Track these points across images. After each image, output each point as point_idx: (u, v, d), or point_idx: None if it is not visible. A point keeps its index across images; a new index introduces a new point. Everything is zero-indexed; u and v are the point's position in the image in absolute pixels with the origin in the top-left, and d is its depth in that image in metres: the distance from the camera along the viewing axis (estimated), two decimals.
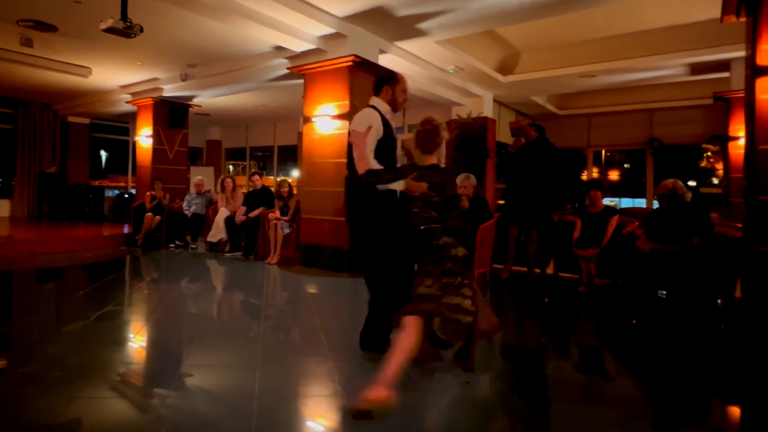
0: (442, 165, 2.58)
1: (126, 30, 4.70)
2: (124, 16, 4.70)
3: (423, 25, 5.70)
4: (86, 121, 11.67)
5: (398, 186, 2.51)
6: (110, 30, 4.67)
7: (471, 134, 8.37)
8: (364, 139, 2.63)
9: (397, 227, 2.55)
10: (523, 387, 2.59)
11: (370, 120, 2.68)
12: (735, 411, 2.56)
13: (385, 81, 2.84)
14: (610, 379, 2.94)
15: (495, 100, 9.46)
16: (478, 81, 8.27)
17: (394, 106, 2.83)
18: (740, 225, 4.19)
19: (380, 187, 2.60)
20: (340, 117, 5.86)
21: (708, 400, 2.63)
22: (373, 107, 2.78)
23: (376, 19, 5.63)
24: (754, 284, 3.62)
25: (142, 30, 4.97)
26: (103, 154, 13.14)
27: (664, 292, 4.49)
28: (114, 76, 8.38)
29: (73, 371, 2.58)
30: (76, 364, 2.68)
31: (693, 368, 3.03)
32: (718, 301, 4.24)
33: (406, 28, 5.80)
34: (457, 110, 8.80)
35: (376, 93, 2.84)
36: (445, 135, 2.55)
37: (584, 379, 2.91)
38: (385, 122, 2.73)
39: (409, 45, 6.44)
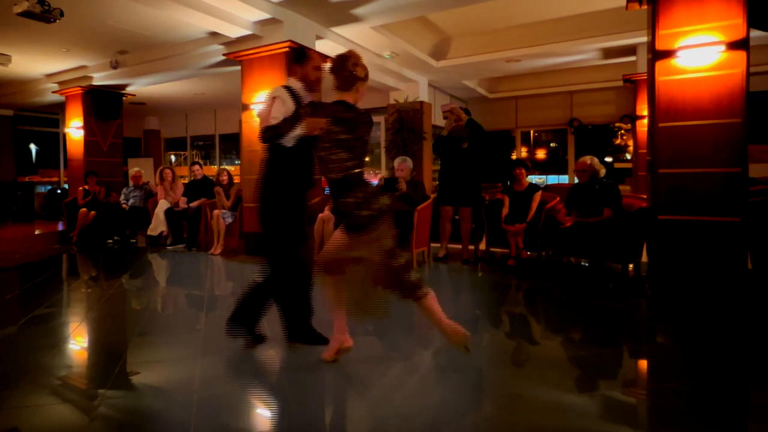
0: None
1: (44, 14, 4.50)
2: None
3: (358, 11, 5.77)
4: (9, 113, 10.92)
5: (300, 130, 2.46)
6: (26, 14, 4.45)
7: (408, 118, 8.62)
8: (269, 107, 2.66)
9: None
10: (460, 357, 2.72)
11: (275, 92, 2.71)
12: (644, 363, 2.86)
13: (295, 60, 2.82)
14: (537, 343, 3.18)
15: (430, 85, 9.74)
16: (413, 66, 8.47)
17: (308, 84, 2.80)
18: (645, 196, 4.62)
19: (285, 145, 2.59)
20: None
21: (620, 356, 2.91)
22: (285, 86, 2.78)
23: (311, 5, 5.65)
24: (656, 249, 4.02)
25: (62, 14, 4.77)
26: (33, 147, 12.34)
27: (586, 262, 4.88)
28: (38, 64, 7.91)
29: (1, 380, 2.43)
30: (3, 373, 2.53)
31: (610, 328, 3.35)
32: (629, 266, 4.66)
33: (341, 13, 5.85)
34: (395, 95, 9.03)
35: (290, 73, 2.86)
36: (358, 70, 2.40)
37: (515, 344, 3.15)
38: (297, 98, 2.72)
39: (346, 31, 6.50)
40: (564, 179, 11.01)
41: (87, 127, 8.56)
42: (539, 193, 5.11)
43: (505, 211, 5.13)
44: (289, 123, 2.48)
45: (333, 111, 2.34)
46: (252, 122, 6.16)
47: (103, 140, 8.80)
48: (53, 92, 8.80)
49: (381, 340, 3.17)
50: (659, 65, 3.93)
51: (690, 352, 2.84)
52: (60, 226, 8.16)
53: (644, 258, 4.38)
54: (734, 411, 2.22)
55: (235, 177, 7.09)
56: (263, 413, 2.23)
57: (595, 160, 4.65)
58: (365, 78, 2.46)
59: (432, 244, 5.63)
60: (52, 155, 12.08)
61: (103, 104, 8.63)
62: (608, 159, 10.76)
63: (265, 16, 5.62)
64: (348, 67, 2.38)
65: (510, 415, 2.13)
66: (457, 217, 5.48)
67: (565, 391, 2.32)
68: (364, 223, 2.29)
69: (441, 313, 2.44)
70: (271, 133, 2.54)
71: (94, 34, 6.49)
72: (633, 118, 7.81)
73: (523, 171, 5.20)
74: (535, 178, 11.61)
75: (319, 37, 6.24)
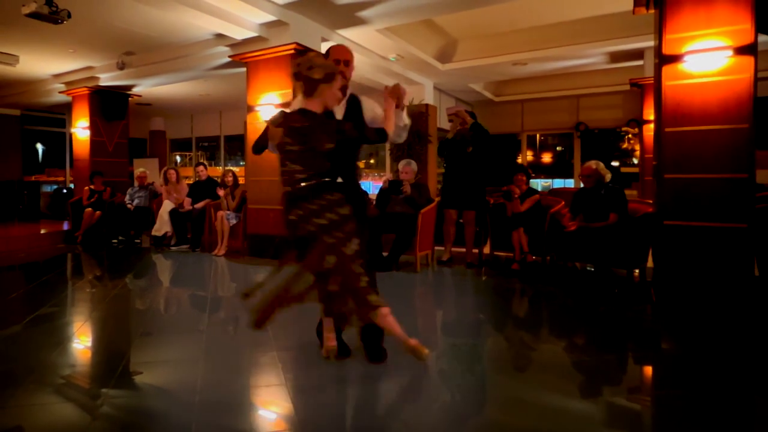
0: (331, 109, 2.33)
1: (51, 15, 4.53)
2: (48, 0, 4.52)
3: (363, 14, 5.78)
4: (17, 112, 10.99)
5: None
6: (34, 15, 4.48)
7: (413, 121, 8.61)
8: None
9: None
10: (463, 361, 2.73)
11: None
12: (648, 370, 2.84)
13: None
14: (540, 348, 3.15)
15: (435, 88, 9.72)
16: (418, 69, 8.46)
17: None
18: (651, 201, 4.59)
19: None
20: (284, 106, 5.87)
21: (625, 362, 2.89)
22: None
23: (316, 7, 5.66)
24: (662, 254, 4.00)
25: (69, 15, 4.80)
26: (40, 147, 12.41)
27: (591, 267, 4.84)
28: (44, 65, 7.96)
29: (5, 379, 2.42)
30: (7, 371, 2.52)
31: (614, 334, 3.32)
32: (635, 271, 4.63)
33: (346, 16, 5.86)
34: None
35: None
36: (314, 72, 2.21)
37: (518, 349, 3.12)
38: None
39: (351, 33, 6.50)
40: (570, 183, 10.98)
41: (93, 127, 8.60)
42: (537, 195, 5.17)
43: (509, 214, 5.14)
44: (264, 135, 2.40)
45: (289, 121, 2.23)
46: (257, 124, 6.16)
47: (109, 140, 8.85)
48: (60, 92, 8.85)
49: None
50: (666, 70, 3.91)
51: (695, 358, 2.81)
52: (65, 226, 8.20)
53: (650, 263, 4.35)
54: (739, 419, 2.19)
55: (239, 178, 7.10)
56: (264, 415, 2.22)
57: (601, 164, 4.64)
58: (326, 79, 2.25)
59: (436, 248, 5.62)
60: (59, 155, 12.15)
61: (109, 105, 8.67)
62: (615, 163, 10.71)
63: (271, 18, 5.64)
64: (303, 73, 2.23)
65: (512, 420, 2.12)
66: (461, 220, 5.46)
67: (568, 396, 2.31)
68: (308, 236, 2.17)
69: (399, 329, 2.26)
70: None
71: (101, 35, 6.53)
72: (640, 122, 7.79)
73: (524, 177, 5.20)
74: (540, 182, 11.59)
75: (324, 40, 6.25)
